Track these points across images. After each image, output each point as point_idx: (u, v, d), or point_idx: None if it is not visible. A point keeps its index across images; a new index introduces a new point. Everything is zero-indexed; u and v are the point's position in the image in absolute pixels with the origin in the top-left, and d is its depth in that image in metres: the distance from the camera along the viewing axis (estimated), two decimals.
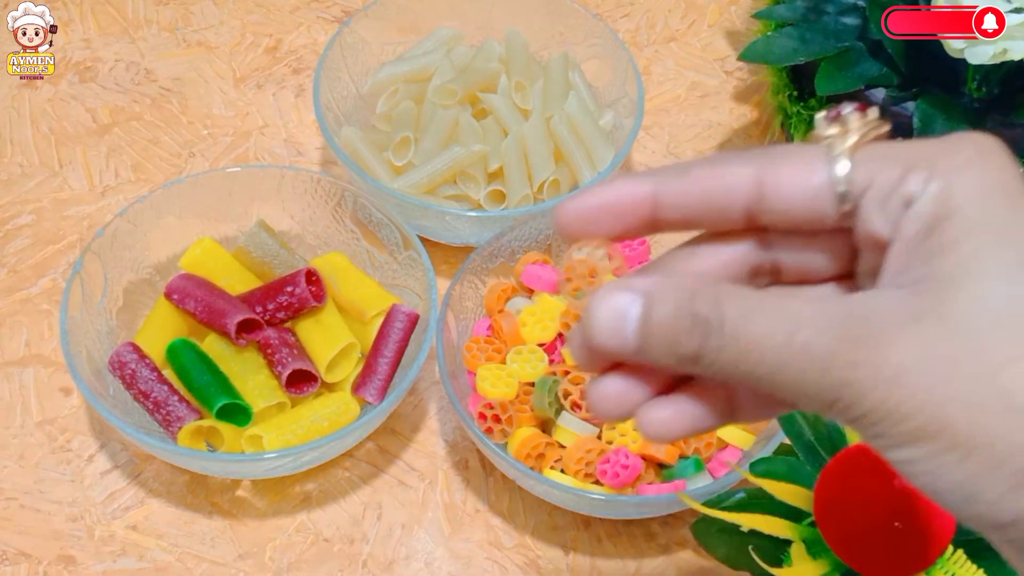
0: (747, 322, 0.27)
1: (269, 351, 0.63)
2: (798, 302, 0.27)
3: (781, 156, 0.29)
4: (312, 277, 0.65)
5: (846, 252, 0.30)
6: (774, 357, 0.27)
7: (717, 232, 0.31)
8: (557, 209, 0.31)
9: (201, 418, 0.62)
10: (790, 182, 0.28)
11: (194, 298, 0.64)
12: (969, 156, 0.27)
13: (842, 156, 0.28)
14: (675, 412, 0.30)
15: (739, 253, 0.31)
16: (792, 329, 0.27)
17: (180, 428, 0.61)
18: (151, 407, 0.62)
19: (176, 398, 0.61)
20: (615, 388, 0.31)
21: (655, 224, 0.30)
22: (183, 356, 0.63)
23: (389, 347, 0.64)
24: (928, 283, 0.26)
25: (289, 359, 0.62)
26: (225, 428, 0.61)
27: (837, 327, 0.27)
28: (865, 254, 0.30)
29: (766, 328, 0.27)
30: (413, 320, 0.65)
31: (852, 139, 0.28)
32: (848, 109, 0.29)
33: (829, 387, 0.27)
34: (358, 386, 0.64)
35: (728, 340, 0.27)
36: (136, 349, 0.63)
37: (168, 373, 0.64)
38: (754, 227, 0.30)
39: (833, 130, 0.29)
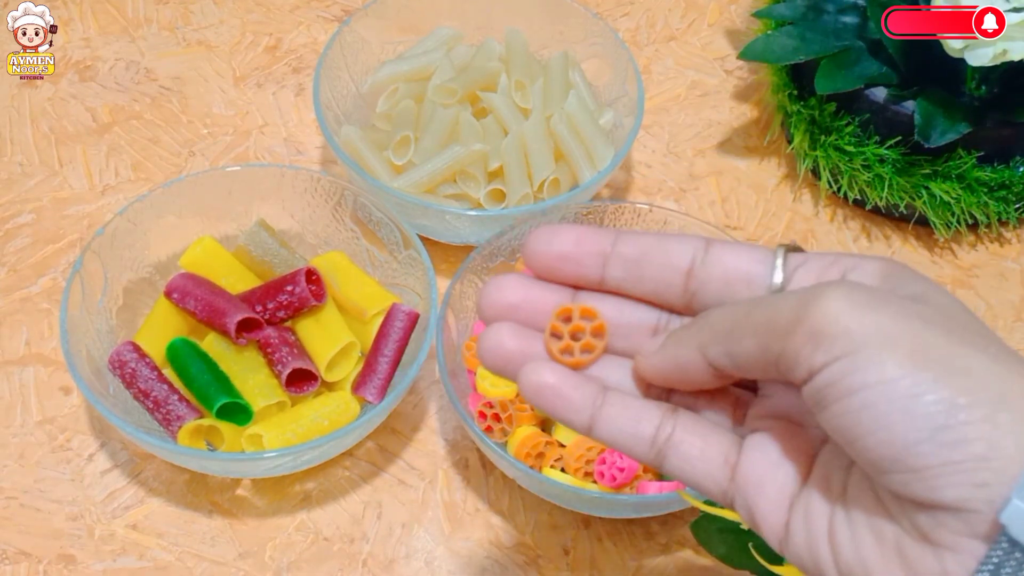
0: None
1: (269, 350, 0.63)
2: None
3: (732, 241, 0.34)
4: (312, 276, 0.65)
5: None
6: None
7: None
8: (524, 247, 0.33)
9: (201, 417, 0.61)
10: (737, 248, 0.32)
11: (194, 297, 0.64)
12: (883, 256, 0.31)
13: (780, 251, 0.32)
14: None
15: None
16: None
17: (180, 427, 0.61)
18: (151, 406, 0.62)
19: (176, 397, 0.61)
20: (510, 337, 0.32)
21: (607, 259, 0.33)
22: (183, 355, 0.63)
23: (389, 346, 0.64)
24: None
25: (289, 358, 0.62)
26: (225, 427, 0.61)
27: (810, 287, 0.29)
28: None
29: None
30: (413, 319, 0.65)
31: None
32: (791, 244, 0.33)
33: (806, 299, 0.27)
34: (358, 385, 0.64)
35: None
36: (136, 348, 0.63)
37: (168, 372, 0.64)
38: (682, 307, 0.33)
39: None
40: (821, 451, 0.31)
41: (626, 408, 0.32)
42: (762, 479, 0.31)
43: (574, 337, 0.32)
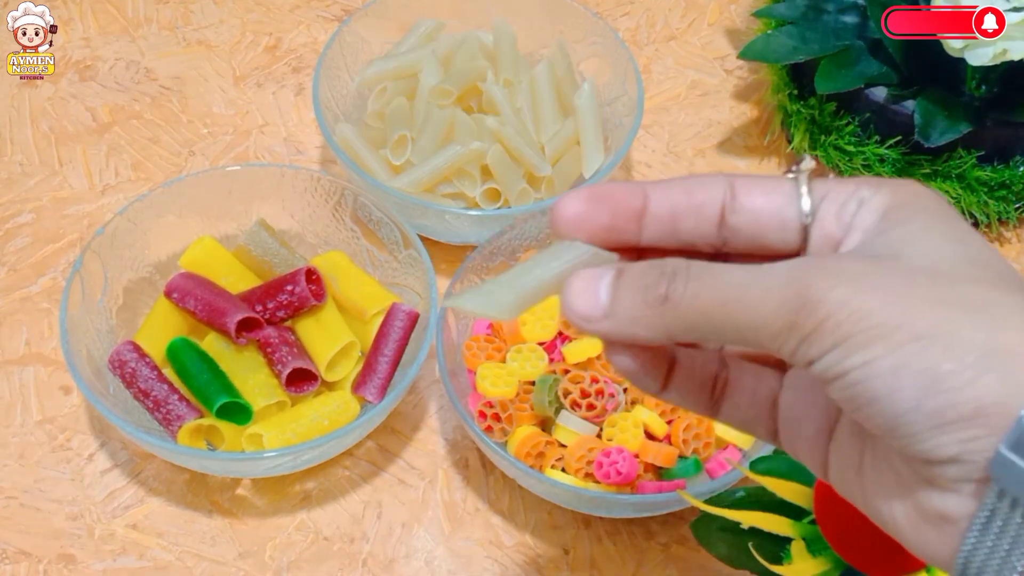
0: (714, 268, 0.30)
1: (269, 350, 0.63)
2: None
3: (751, 176, 0.33)
4: (312, 276, 0.65)
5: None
6: (739, 285, 0.29)
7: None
8: (556, 201, 0.32)
9: (201, 417, 0.61)
10: (762, 187, 0.32)
11: (194, 297, 0.64)
12: (901, 180, 0.32)
13: (803, 178, 0.32)
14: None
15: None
16: (757, 270, 0.29)
17: (180, 427, 0.61)
18: (151, 406, 0.62)
19: (176, 397, 0.61)
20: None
21: (641, 220, 0.33)
22: (183, 355, 0.63)
23: (389, 346, 0.64)
24: (884, 247, 0.29)
25: (289, 358, 0.62)
26: (225, 427, 0.61)
27: (799, 262, 0.29)
28: None
29: (732, 271, 0.29)
30: (413, 319, 0.65)
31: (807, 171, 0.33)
32: (807, 162, 0.33)
33: (791, 298, 0.28)
34: (358, 385, 0.64)
35: (694, 280, 0.29)
36: (136, 348, 0.63)
37: (168, 372, 0.64)
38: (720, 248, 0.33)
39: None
40: None
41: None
42: (800, 420, 0.33)
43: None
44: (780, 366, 0.34)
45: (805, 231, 0.32)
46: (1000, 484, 0.26)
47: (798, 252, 0.32)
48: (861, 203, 0.31)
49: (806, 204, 0.31)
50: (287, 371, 0.62)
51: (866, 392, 0.27)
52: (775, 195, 0.32)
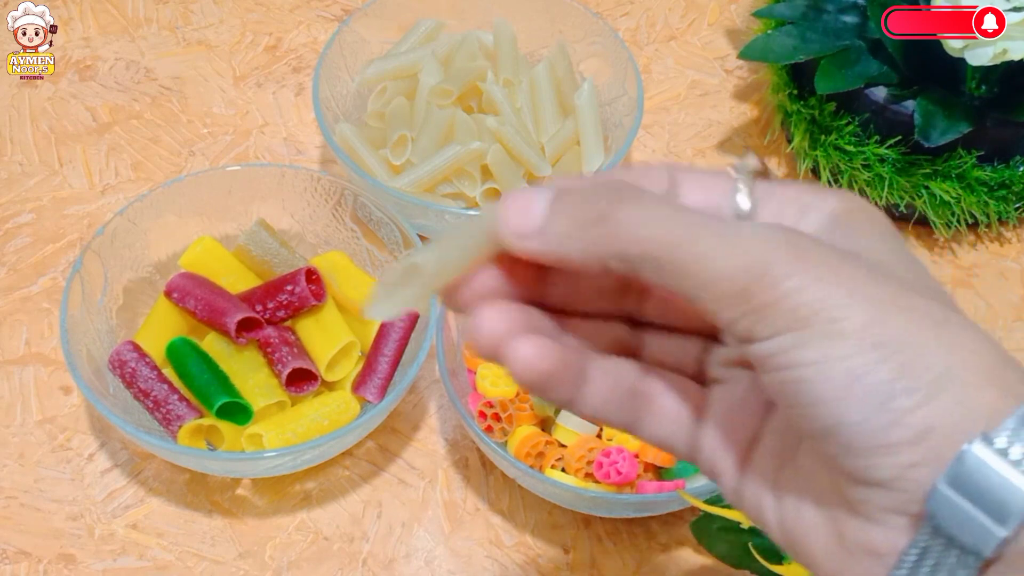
0: (669, 201, 0.28)
1: (269, 350, 0.63)
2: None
3: (694, 168, 0.31)
4: (312, 276, 0.65)
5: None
6: (694, 228, 0.26)
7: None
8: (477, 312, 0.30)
9: (201, 417, 0.61)
10: (702, 182, 0.30)
11: (194, 297, 0.64)
12: (842, 191, 0.30)
13: (743, 176, 0.30)
14: (546, 345, 0.29)
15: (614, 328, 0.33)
16: (718, 219, 0.27)
17: (180, 427, 0.61)
18: (151, 406, 0.62)
19: (176, 397, 0.61)
20: (498, 315, 0.29)
21: (540, 287, 0.31)
22: (183, 354, 0.63)
23: (389, 346, 0.64)
24: (841, 246, 0.28)
25: (289, 358, 0.62)
26: (225, 427, 0.61)
27: (769, 225, 0.27)
28: None
29: (689, 211, 0.27)
30: (413, 319, 0.65)
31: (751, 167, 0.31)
32: (750, 160, 0.31)
33: (752, 263, 0.26)
34: (358, 385, 0.64)
35: (643, 207, 0.27)
36: (136, 348, 0.63)
37: (168, 372, 0.64)
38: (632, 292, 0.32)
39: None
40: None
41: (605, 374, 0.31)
42: (725, 435, 0.31)
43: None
44: (701, 376, 0.32)
45: None
46: (935, 520, 0.25)
47: None
48: (805, 208, 0.29)
49: (744, 202, 0.29)
50: (287, 371, 0.62)
51: (812, 391, 0.25)
52: (713, 191, 0.30)
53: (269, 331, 0.63)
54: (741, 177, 0.30)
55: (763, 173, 0.30)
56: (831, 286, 0.25)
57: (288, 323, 0.66)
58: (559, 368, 0.29)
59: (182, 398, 0.62)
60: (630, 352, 0.33)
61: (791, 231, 0.27)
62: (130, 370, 0.62)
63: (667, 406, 0.31)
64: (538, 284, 0.31)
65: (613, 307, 0.33)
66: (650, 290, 0.33)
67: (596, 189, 0.28)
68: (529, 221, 0.28)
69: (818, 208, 0.29)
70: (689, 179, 0.30)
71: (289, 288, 0.64)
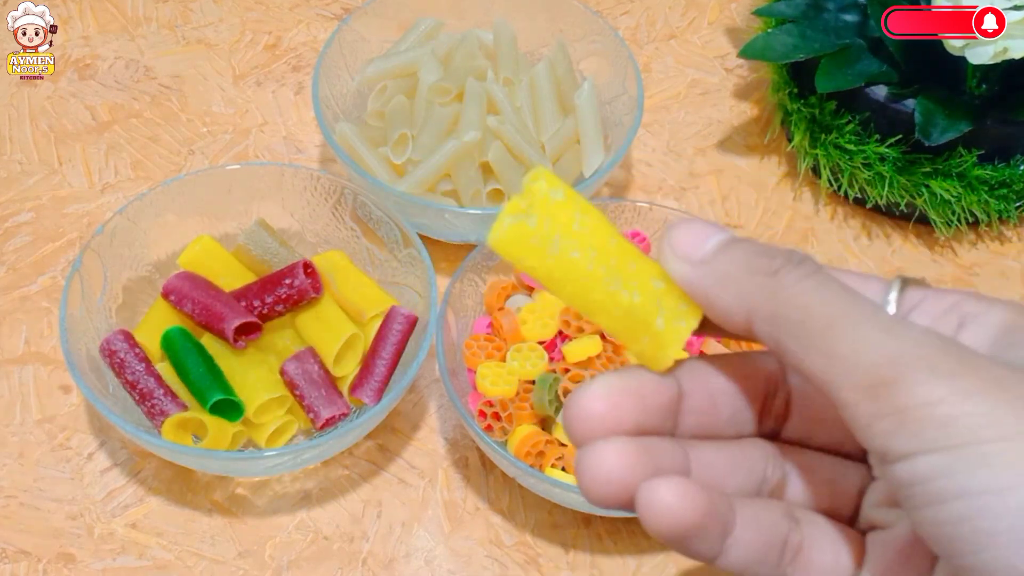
0: (843, 283, 0.25)
1: (296, 391, 0.63)
2: None
3: (844, 270, 0.28)
4: (308, 269, 0.65)
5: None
6: (855, 311, 0.24)
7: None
8: (573, 397, 0.27)
9: (187, 411, 0.61)
10: (851, 276, 0.28)
11: (191, 300, 0.64)
12: (1006, 299, 0.27)
13: (895, 283, 0.27)
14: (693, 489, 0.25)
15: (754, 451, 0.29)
16: (883, 311, 0.25)
17: (163, 421, 0.60)
18: (137, 398, 0.61)
19: (163, 391, 0.61)
20: (617, 457, 0.25)
21: (676, 413, 0.28)
22: (178, 346, 0.62)
23: (387, 349, 0.64)
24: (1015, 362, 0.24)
25: (319, 404, 0.62)
26: (212, 421, 0.60)
27: (928, 329, 0.24)
28: None
29: (859, 297, 0.25)
30: (411, 322, 0.65)
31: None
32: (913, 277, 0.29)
33: (902, 343, 0.23)
34: (355, 387, 0.64)
35: (814, 277, 0.25)
36: (127, 338, 0.62)
37: (164, 365, 0.63)
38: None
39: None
40: None
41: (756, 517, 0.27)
42: None
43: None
44: (857, 519, 0.28)
45: None
46: None
47: None
48: (964, 319, 0.26)
49: (892, 309, 0.27)
50: (320, 422, 0.62)
51: (980, 533, 0.21)
52: (860, 287, 0.27)
53: (289, 367, 0.63)
54: (894, 283, 0.28)
55: (920, 282, 0.28)
56: (993, 401, 0.21)
57: (288, 322, 0.66)
58: (706, 517, 0.25)
59: (168, 392, 0.61)
60: (772, 489, 0.29)
61: (950, 339, 0.24)
62: (119, 360, 0.62)
63: (821, 561, 0.28)
64: (670, 411, 0.27)
65: (749, 430, 0.29)
66: (791, 409, 0.30)
67: (771, 248, 0.27)
68: (698, 249, 0.27)
69: (981, 321, 0.26)
70: (839, 276, 0.27)
71: (288, 282, 0.64)
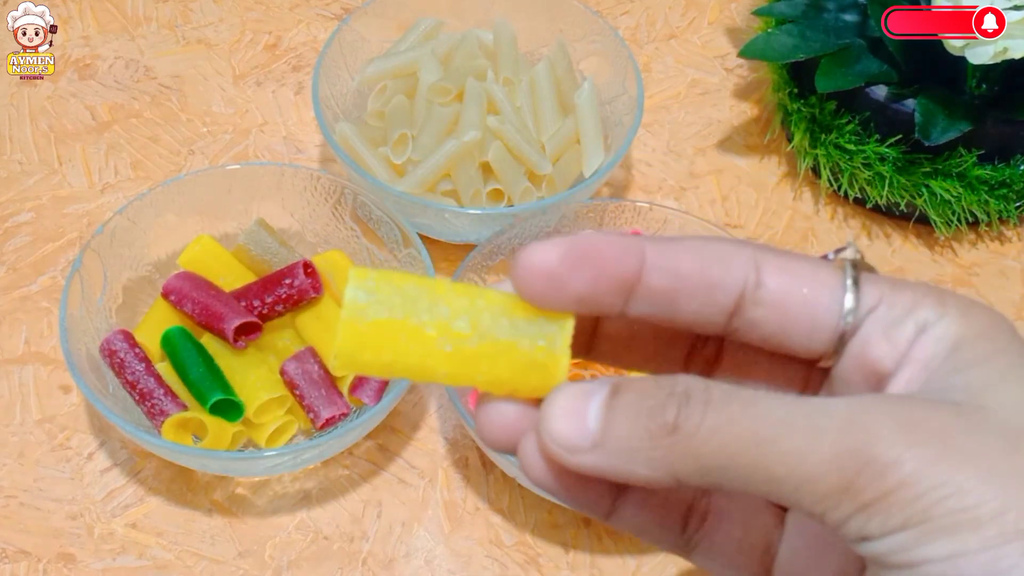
0: (741, 394, 0.23)
1: (296, 391, 0.63)
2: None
3: (782, 253, 0.26)
4: (308, 269, 0.65)
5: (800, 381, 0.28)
6: (779, 422, 0.22)
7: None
8: (524, 250, 0.25)
9: (186, 411, 0.61)
10: (790, 261, 0.26)
11: (191, 300, 0.64)
12: (965, 299, 0.26)
13: (849, 268, 0.25)
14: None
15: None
16: (802, 404, 0.23)
17: (163, 421, 0.60)
18: (137, 398, 0.61)
19: (163, 391, 0.61)
20: (508, 413, 0.26)
21: (632, 292, 0.25)
22: (178, 345, 0.62)
23: None
24: (962, 393, 0.23)
25: (319, 403, 0.62)
26: (212, 421, 0.61)
27: (861, 401, 0.23)
28: (840, 384, 0.26)
29: (767, 400, 0.23)
30: None
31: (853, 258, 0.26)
32: (850, 250, 0.27)
33: (850, 451, 0.22)
34: (355, 387, 0.64)
35: (715, 408, 0.23)
36: (127, 338, 0.62)
37: (164, 365, 0.63)
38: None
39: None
40: None
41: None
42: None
43: None
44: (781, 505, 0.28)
45: (841, 339, 0.25)
46: None
47: (819, 361, 0.26)
48: (922, 328, 0.25)
49: (849, 301, 0.25)
50: (320, 422, 0.62)
51: None
52: (802, 280, 0.25)
53: (290, 368, 0.63)
54: (846, 269, 0.25)
55: (865, 266, 0.26)
56: (955, 466, 0.21)
57: (288, 322, 0.66)
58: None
59: (168, 392, 0.61)
60: None
61: (895, 400, 0.23)
62: (119, 360, 0.62)
63: (731, 535, 0.27)
64: (624, 288, 0.26)
65: (674, 369, 0.28)
66: (725, 347, 0.28)
67: (659, 388, 0.24)
68: (581, 435, 0.24)
69: (937, 334, 0.24)
70: (775, 265, 0.25)
71: (288, 282, 0.64)
